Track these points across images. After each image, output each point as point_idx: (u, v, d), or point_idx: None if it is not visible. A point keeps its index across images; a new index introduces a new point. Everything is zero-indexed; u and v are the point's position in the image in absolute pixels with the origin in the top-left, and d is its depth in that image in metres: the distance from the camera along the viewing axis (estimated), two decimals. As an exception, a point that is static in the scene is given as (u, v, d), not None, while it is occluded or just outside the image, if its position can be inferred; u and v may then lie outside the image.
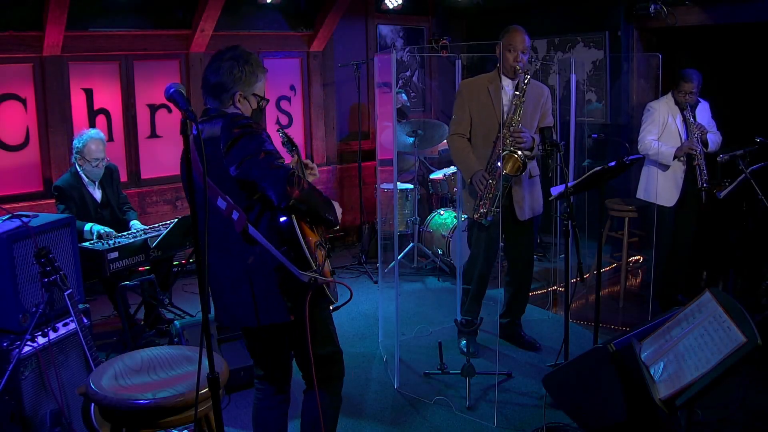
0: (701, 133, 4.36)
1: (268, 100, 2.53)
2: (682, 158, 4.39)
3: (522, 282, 4.13)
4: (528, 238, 4.06)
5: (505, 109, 3.80)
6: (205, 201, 1.96)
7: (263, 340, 2.56)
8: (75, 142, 4.23)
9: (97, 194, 4.34)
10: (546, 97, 3.95)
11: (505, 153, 3.67)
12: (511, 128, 3.70)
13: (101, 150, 4.21)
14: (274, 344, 2.57)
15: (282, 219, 2.30)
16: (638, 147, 4.53)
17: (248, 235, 2.25)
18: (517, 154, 3.65)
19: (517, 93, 3.71)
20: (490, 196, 3.72)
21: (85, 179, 4.26)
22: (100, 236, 4.02)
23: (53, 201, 5.04)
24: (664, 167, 4.47)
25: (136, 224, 4.39)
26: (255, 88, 2.43)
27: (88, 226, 4.09)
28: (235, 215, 2.24)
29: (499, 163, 3.66)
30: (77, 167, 4.23)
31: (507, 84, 3.86)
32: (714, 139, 4.45)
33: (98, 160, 4.20)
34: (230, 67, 2.39)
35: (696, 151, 4.32)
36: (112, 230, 4.12)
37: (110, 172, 4.43)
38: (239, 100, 2.40)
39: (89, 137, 4.18)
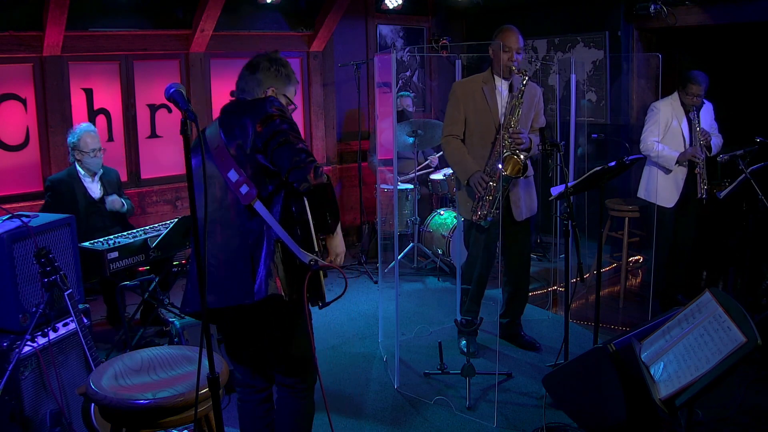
0: (705, 140, 4.35)
1: (296, 106, 2.63)
2: (684, 163, 4.39)
3: (519, 282, 4.13)
4: (525, 238, 4.06)
5: (500, 109, 3.79)
6: (204, 189, 1.97)
7: (249, 325, 2.50)
8: (69, 138, 4.30)
9: (95, 189, 4.38)
10: (539, 98, 3.96)
11: (506, 155, 3.66)
12: (510, 130, 3.70)
13: (96, 141, 4.32)
14: (258, 331, 2.51)
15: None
16: (640, 146, 4.52)
17: (253, 209, 2.31)
18: (519, 157, 3.66)
19: (515, 94, 3.71)
20: (490, 198, 3.72)
21: (82, 173, 4.32)
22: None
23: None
24: (666, 169, 4.46)
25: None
26: (286, 90, 2.56)
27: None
28: (243, 189, 2.30)
29: (500, 165, 3.66)
30: (76, 165, 4.31)
31: (501, 84, 3.85)
32: (716, 142, 4.45)
33: (95, 150, 4.29)
34: (268, 66, 2.54)
35: (699, 159, 4.32)
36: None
37: (115, 175, 4.54)
38: (270, 93, 2.51)
39: (82, 131, 4.28)
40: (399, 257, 4.21)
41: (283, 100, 2.53)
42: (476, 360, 3.87)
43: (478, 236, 3.93)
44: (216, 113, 6.09)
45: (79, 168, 4.30)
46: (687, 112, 4.41)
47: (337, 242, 2.50)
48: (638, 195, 4.71)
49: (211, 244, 2.39)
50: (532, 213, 4.02)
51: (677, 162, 4.38)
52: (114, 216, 4.43)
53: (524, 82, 3.67)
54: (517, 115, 3.70)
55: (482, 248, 3.95)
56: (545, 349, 4.14)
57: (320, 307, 2.48)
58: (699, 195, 4.36)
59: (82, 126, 4.33)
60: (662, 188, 4.48)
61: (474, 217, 3.80)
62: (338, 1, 6.15)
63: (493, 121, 3.80)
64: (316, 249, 2.39)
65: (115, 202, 4.36)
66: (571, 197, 3.38)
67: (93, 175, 4.35)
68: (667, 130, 4.44)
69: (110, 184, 4.46)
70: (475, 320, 3.86)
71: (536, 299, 5.05)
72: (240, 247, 2.35)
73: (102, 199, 4.39)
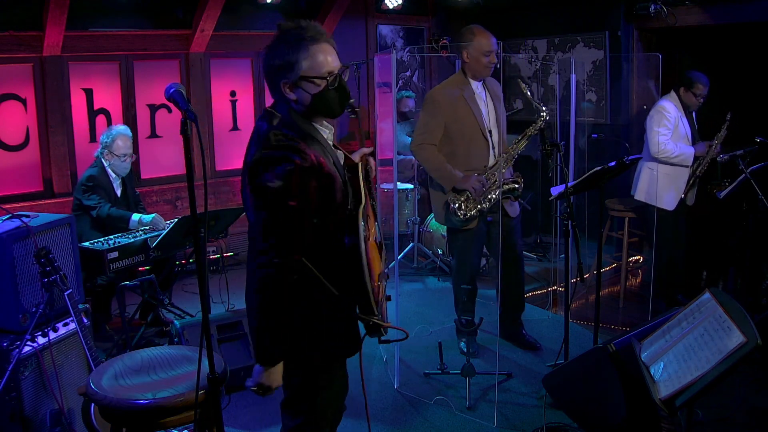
0: (714, 151, 4.38)
1: (335, 77, 1.98)
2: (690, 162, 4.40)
3: (512, 276, 4.09)
4: (517, 233, 4.08)
5: (483, 113, 3.79)
6: (205, 198, 1.94)
7: None
8: (103, 137, 4.32)
9: (118, 190, 4.42)
10: (500, 89, 4.01)
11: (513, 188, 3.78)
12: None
13: (129, 146, 4.34)
14: None
15: (348, 242, 1.95)
16: (653, 150, 4.42)
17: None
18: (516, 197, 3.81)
19: (524, 136, 3.71)
20: (479, 198, 3.73)
21: (112, 174, 4.35)
22: (144, 224, 4.20)
23: (53, 201, 5.06)
24: (669, 171, 4.44)
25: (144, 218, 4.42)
26: (300, 69, 1.94)
27: (136, 217, 4.23)
28: None
29: (512, 203, 3.79)
30: (104, 162, 4.32)
31: (476, 87, 3.84)
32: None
33: (126, 155, 4.32)
34: (266, 54, 2.00)
35: (705, 158, 4.34)
36: (155, 215, 4.29)
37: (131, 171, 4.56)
38: (287, 91, 1.98)
39: (118, 133, 4.30)
40: (399, 257, 4.21)
41: (309, 86, 1.96)
42: (476, 360, 3.87)
43: (466, 238, 3.91)
44: (216, 113, 6.13)
45: (108, 167, 4.33)
46: (686, 112, 4.41)
47: (267, 376, 1.96)
48: (637, 198, 4.68)
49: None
50: (518, 210, 4.07)
51: (696, 156, 4.38)
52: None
53: (540, 124, 3.68)
54: (521, 146, 3.77)
55: (470, 250, 3.94)
56: (545, 349, 4.13)
57: (380, 342, 2.18)
58: (690, 201, 4.40)
59: (119, 128, 4.35)
60: (665, 191, 4.47)
61: (460, 214, 3.76)
62: (338, 1, 6.15)
63: (478, 126, 3.78)
64: (376, 311, 2.01)
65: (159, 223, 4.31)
66: (571, 197, 3.38)
67: (118, 175, 4.40)
68: (675, 131, 4.42)
69: (129, 181, 4.52)
70: (474, 320, 3.86)
71: (536, 299, 5.05)
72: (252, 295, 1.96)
73: (123, 199, 4.44)
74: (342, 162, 2.10)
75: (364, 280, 1.95)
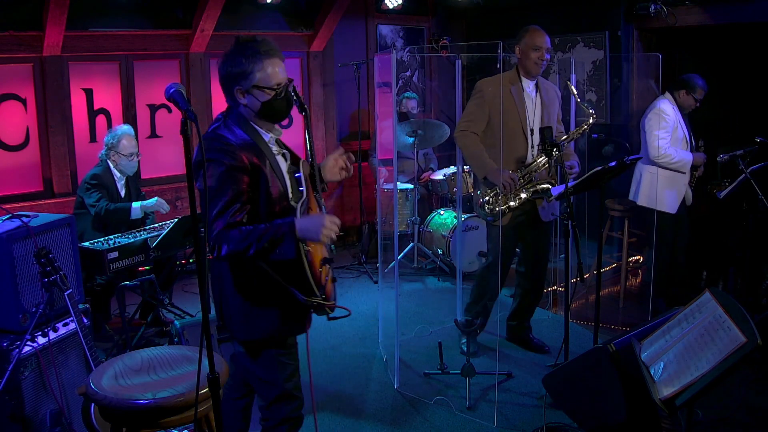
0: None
1: (282, 88, 2.28)
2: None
3: (536, 281, 4.08)
4: (547, 240, 4.05)
5: (528, 111, 3.78)
6: (205, 199, 1.96)
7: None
8: (107, 138, 4.33)
9: (122, 190, 4.43)
10: (560, 95, 3.97)
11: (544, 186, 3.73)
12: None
13: (134, 144, 4.35)
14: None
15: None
16: (652, 154, 4.35)
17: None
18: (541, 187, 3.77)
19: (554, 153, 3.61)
20: (510, 195, 3.71)
21: (117, 174, 4.36)
22: (148, 208, 4.23)
23: (53, 201, 5.06)
24: (669, 173, 4.42)
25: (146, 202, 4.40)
26: (254, 79, 2.22)
27: (137, 204, 4.23)
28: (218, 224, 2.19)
29: (550, 200, 3.73)
30: (109, 164, 4.33)
31: (528, 86, 3.81)
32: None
33: (133, 154, 4.33)
34: (224, 62, 2.26)
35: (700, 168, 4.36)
36: (157, 198, 4.33)
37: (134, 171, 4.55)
38: (239, 96, 2.26)
39: (122, 133, 4.31)
40: (399, 257, 4.21)
41: (259, 94, 2.24)
42: (476, 360, 3.87)
43: (496, 235, 3.85)
44: (216, 113, 6.11)
45: (113, 167, 4.34)
46: (682, 114, 4.41)
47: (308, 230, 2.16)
48: (639, 203, 4.65)
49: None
50: (555, 216, 4.01)
51: (693, 165, 4.37)
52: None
53: (586, 128, 3.78)
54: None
55: (498, 246, 3.86)
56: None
57: (328, 319, 2.40)
58: (688, 201, 4.39)
59: (123, 128, 4.36)
60: (666, 194, 4.45)
61: (487, 208, 3.74)
62: (338, 1, 6.15)
63: (520, 123, 3.75)
64: (318, 292, 2.24)
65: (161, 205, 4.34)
66: (571, 197, 3.38)
67: (123, 174, 4.41)
68: (673, 134, 4.40)
69: (132, 180, 4.52)
70: (475, 320, 3.85)
71: (536, 299, 5.05)
72: (213, 264, 2.39)
73: (127, 199, 4.43)
74: (288, 161, 2.40)
75: (303, 265, 2.17)
